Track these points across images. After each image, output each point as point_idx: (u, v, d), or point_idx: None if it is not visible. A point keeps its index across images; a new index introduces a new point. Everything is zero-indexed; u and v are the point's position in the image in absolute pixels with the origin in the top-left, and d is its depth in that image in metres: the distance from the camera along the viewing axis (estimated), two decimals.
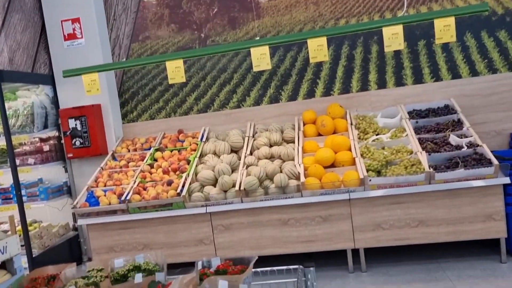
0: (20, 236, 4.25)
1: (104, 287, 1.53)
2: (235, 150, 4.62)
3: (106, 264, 1.71)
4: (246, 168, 4.23)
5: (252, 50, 3.79)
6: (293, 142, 4.54)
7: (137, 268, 1.65)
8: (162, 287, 1.49)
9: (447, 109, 4.47)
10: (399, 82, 4.81)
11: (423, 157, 3.81)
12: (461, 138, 4.02)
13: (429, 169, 3.67)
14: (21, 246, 4.12)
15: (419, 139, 4.09)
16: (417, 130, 4.28)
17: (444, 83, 4.71)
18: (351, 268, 3.98)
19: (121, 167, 4.74)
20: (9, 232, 2.17)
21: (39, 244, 4.49)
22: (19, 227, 4.34)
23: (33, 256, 4.37)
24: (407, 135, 4.17)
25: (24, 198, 4.54)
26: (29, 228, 4.52)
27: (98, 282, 1.54)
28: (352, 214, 3.88)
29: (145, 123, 5.33)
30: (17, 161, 4.55)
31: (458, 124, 4.25)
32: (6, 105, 4.45)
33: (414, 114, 4.51)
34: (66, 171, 5.16)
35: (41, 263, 1.78)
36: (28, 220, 4.54)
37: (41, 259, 4.37)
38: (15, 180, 4.36)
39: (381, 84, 4.85)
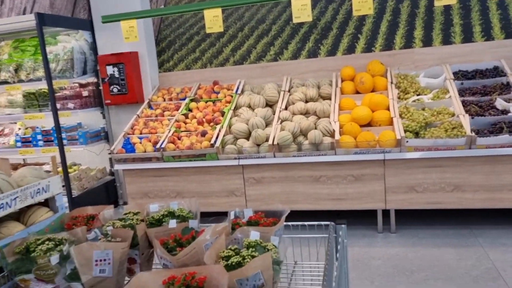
0: (61, 177, 4.46)
1: (140, 230, 1.57)
2: (270, 104, 4.57)
3: (141, 208, 1.76)
4: (281, 123, 4.19)
5: (293, 0, 3.65)
6: (330, 98, 4.44)
7: (171, 214, 1.68)
8: (195, 233, 1.52)
9: (496, 71, 4.22)
10: (446, 40, 4.55)
11: (465, 120, 3.65)
12: (509, 102, 3.81)
13: (471, 133, 3.53)
14: (62, 186, 4.33)
15: (462, 102, 3.91)
16: (462, 92, 4.08)
17: (495, 42, 4.42)
18: (380, 228, 3.97)
19: (156, 116, 4.81)
20: (52, 172, 2.26)
21: (78, 185, 4.70)
22: (59, 169, 4.54)
23: (73, 196, 4.60)
24: (450, 96, 3.99)
25: (64, 141, 4.71)
26: (69, 170, 4.73)
27: (135, 225, 1.58)
28: (386, 175, 3.82)
29: (181, 73, 5.32)
30: (58, 105, 4.69)
31: (507, 87, 4.02)
32: (47, 49, 4.53)
33: (459, 75, 4.28)
34: (103, 117, 5.29)
35: (80, 204, 1.85)
36: (68, 162, 4.74)
37: (80, 200, 4.60)
38: (56, 123, 4.51)
39: (427, 42, 4.60)
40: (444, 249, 3.52)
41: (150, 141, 4.37)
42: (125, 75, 4.99)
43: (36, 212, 1.68)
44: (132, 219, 1.63)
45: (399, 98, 4.21)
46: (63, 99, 4.96)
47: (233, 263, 1.27)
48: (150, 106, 5.05)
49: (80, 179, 4.75)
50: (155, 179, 4.39)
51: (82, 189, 4.76)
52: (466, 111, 3.78)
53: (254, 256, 1.28)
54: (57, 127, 4.52)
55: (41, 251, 1.42)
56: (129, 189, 4.49)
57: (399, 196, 3.83)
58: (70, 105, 4.92)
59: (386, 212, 3.95)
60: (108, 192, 5.21)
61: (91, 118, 5.26)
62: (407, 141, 3.65)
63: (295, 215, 1.81)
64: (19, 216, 1.67)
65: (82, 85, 5.16)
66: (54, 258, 1.40)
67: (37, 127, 5.19)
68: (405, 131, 3.74)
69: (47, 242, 1.46)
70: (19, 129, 5.25)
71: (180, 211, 1.70)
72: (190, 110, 4.76)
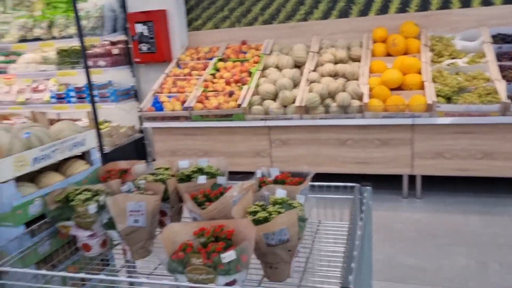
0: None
1: (171, 184, 1.63)
2: (298, 65, 4.51)
3: (172, 164, 1.82)
4: (309, 84, 4.15)
5: None
6: (360, 60, 4.34)
7: (200, 171, 1.73)
8: (223, 189, 1.57)
9: None
10: (486, 0, 4.32)
11: (501, 86, 3.52)
12: None
13: (507, 99, 3.41)
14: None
15: (499, 67, 3.76)
16: (499, 57, 3.92)
17: None
18: (405, 194, 3.97)
19: (184, 75, 4.84)
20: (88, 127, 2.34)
21: (110, 142, 4.85)
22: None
23: (104, 152, 4.75)
24: (486, 61, 3.84)
25: (96, 99, 4.82)
26: (101, 126, 4.86)
27: (165, 179, 1.65)
28: (414, 140, 3.77)
29: (209, 32, 5.28)
30: (89, 63, 4.77)
31: None
32: (78, 6, 4.56)
33: (498, 39, 4.09)
34: (133, 75, 5.36)
35: (112, 159, 1.92)
36: (99, 119, 4.87)
37: (111, 155, 4.75)
38: (88, 81, 4.61)
39: (465, 2, 4.38)
40: (470, 216, 3.50)
41: (178, 100, 4.43)
42: (154, 33, 5.00)
43: (73, 164, 1.77)
44: (163, 174, 1.70)
45: (432, 61, 4.08)
46: (94, 56, 5.03)
47: (260, 218, 1.32)
48: (178, 65, 5.07)
49: (111, 136, 4.89)
50: (183, 137, 4.48)
51: (113, 145, 4.91)
52: (503, 77, 3.64)
53: (280, 213, 1.33)
54: (89, 84, 4.62)
55: (79, 200, 1.51)
56: (158, 147, 4.61)
57: (426, 161, 3.79)
58: (101, 63, 5.00)
59: (412, 178, 3.93)
60: (137, 149, 5.35)
61: (121, 76, 5.34)
62: (438, 106, 3.57)
63: (320, 177, 1.83)
64: (57, 167, 1.76)
65: (112, 43, 5.20)
66: (92, 207, 1.48)
67: (69, 84, 5.32)
68: (437, 95, 3.65)
69: (85, 192, 1.55)
70: (54, 85, 5.40)
71: (209, 168, 1.74)
72: (218, 70, 4.76)
